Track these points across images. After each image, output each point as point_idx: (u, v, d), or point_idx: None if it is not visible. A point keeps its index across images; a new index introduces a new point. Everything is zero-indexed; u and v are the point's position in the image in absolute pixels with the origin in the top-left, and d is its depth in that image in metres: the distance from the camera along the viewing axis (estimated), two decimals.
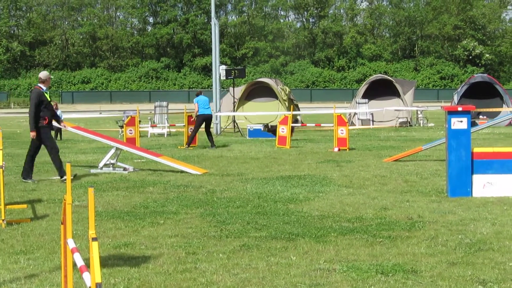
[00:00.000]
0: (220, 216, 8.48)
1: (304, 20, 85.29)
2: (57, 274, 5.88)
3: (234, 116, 25.75)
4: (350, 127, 22.65)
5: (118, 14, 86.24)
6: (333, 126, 18.04)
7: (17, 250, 6.91)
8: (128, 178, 12.34)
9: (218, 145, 19.32)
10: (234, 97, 26.50)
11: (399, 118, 28.88)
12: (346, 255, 6.49)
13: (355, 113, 29.49)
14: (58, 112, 16.14)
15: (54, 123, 12.58)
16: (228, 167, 13.80)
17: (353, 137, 21.24)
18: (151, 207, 9.28)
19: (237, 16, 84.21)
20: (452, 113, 9.86)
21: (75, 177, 12.26)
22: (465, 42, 78.14)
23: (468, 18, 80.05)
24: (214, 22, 26.01)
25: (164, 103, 26.94)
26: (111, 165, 13.39)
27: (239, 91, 27.95)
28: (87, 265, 3.92)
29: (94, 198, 4.46)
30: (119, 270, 6.07)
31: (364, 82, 32.35)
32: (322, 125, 23.76)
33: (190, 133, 19.39)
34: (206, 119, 18.73)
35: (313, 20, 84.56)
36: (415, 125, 28.92)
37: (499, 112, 26.62)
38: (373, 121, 29.19)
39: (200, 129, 19.02)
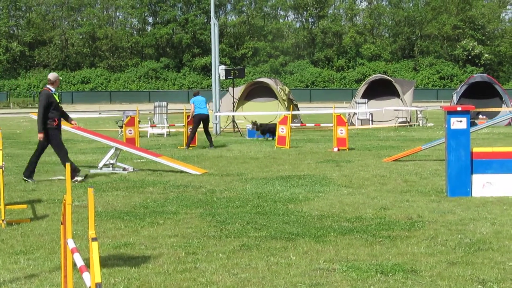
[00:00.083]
0: (219, 216, 8.48)
1: (303, 20, 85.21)
2: (57, 274, 5.88)
3: (233, 116, 25.75)
4: (350, 127, 22.64)
5: (117, 14, 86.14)
6: (332, 126, 18.05)
7: (17, 250, 6.91)
8: (127, 178, 12.34)
9: (217, 145, 19.33)
10: (233, 97, 26.50)
11: (398, 118, 28.87)
12: (345, 255, 6.50)
13: (354, 113, 29.47)
14: None
15: (64, 126, 12.62)
16: (227, 167, 13.81)
17: (352, 137, 21.23)
18: (150, 207, 9.29)
19: (237, 16, 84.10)
20: (452, 113, 9.87)
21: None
22: (464, 42, 78.06)
23: (468, 18, 79.97)
24: (213, 22, 26.00)
25: (164, 103, 26.91)
26: (111, 165, 13.40)
27: (238, 91, 27.94)
28: (87, 265, 3.92)
29: (94, 198, 4.46)
30: (119, 270, 6.07)
31: (364, 82, 32.33)
32: (321, 125, 23.76)
33: (189, 133, 19.41)
34: (203, 119, 18.77)
35: (312, 20, 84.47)
36: (414, 125, 28.91)
37: (498, 112, 26.59)
38: (372, 121, 29.18)
39: (199, 129, 19.05)
